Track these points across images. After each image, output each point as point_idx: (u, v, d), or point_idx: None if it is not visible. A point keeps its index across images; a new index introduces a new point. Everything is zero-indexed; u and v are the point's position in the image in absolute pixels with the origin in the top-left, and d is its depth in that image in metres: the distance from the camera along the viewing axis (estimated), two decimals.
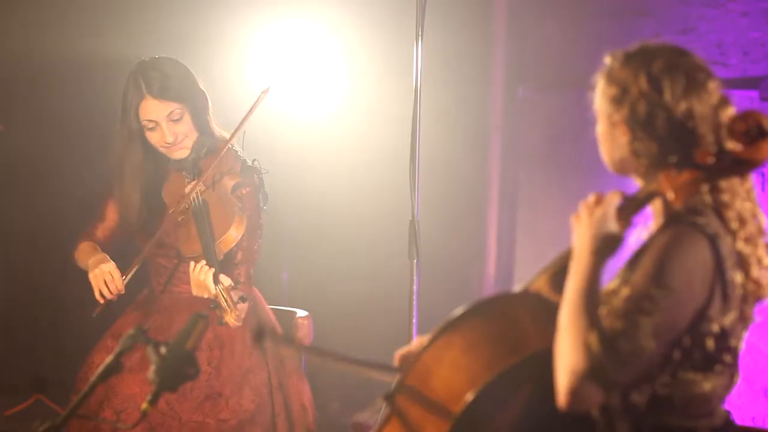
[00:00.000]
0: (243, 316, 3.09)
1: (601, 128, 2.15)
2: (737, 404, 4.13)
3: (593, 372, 1.88)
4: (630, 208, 2.03)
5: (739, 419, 4.05)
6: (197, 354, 3.12)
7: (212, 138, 3.32)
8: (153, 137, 3.28)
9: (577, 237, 2.04)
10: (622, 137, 2.09)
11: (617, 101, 2.09)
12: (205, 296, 3.09)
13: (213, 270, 3.08)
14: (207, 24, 4.71)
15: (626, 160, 2.11)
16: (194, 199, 3.23)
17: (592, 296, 1.97)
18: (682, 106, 2.04)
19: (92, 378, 2.09)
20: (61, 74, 4.82)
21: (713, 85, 2.07)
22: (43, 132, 4.88)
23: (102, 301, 3.19)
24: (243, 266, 3.29)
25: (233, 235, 3.19)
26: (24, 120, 4.85)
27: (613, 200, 2.03)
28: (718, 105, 2.07)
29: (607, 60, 2.14)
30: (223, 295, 3.04)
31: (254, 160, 3.38)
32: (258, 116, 3.61)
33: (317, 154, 4.89)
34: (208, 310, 3.26)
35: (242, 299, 3.07)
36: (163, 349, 2.04)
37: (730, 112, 2.07)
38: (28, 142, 4.89)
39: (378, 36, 4.77)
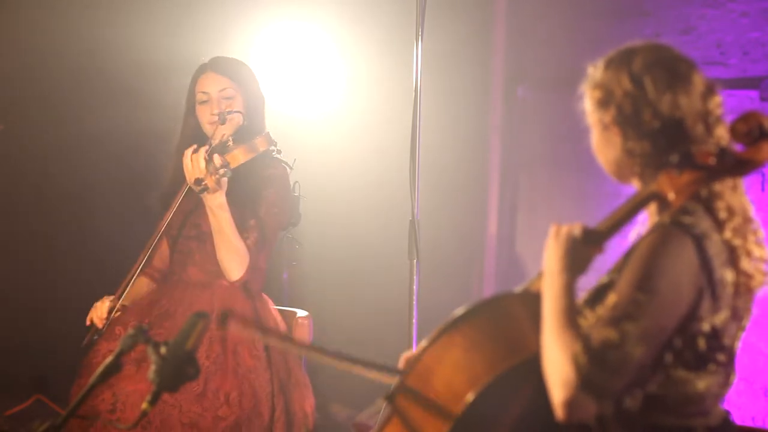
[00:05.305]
0: (224, 186, 3.19)
1: (595, 136, 2.17)
2: (737, 404, 4.13)
3: (584, 382, 1.89)
4: (600, 234, 2.03)
5: (739, 419, 4.05)
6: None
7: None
8: (203, 112, 3.42)
9: (546, 259, 2.05)
10: (616, 138, 2.11)
11: (604, 103, 2.11)
12: (196, 176, 3.19)
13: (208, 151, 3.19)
14: (207, 25, 4.71)
15: (622, 161, 2.12)
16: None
17: (569, 312, 1.97)
18: (667, 100, 2.05)
19: (92, 378, 2.09)
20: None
21: (697, 76, 2.09)
22: (47, 135, 4.88)
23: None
24: (254, 233, 3.35)
25: (239, 156, 3.26)
26: (35, 122, 4.86)
27: (575, 227, 2.04)
28: (705, 94, 2.08)
29: (590, 69, 2.17)
30: (208, 167, 3.16)
31: (294, 160, 3.53)
32: None
33: (317, 155, 4.88)
34: (208, 312, 3.26)
35: (226, 173, 3.18)
36: (163, 349, 2.04)
37: (717, 100, 2.09)
38: (32, 142, 4.89)
39: (378, 36, 4.77)
